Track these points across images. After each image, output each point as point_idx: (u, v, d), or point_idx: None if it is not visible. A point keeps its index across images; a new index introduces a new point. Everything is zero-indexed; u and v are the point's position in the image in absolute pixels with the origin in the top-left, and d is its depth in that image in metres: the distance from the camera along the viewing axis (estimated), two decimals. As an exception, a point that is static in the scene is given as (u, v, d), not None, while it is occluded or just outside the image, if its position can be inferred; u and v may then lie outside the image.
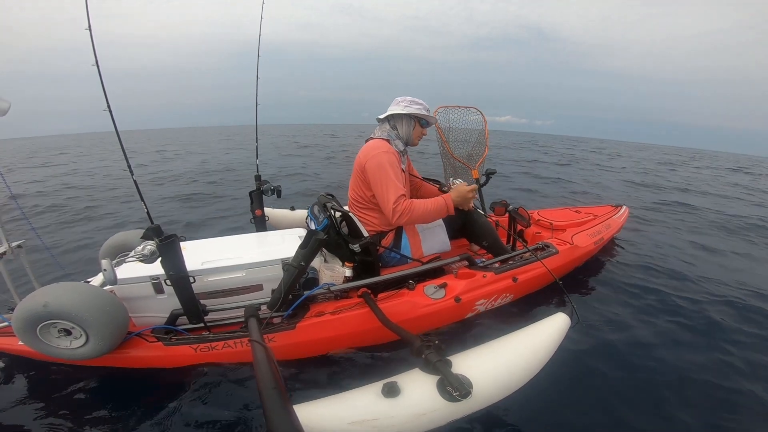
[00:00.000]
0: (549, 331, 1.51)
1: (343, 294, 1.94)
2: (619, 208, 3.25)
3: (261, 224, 2.76)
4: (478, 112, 2.95)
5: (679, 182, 9.02)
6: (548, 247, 2.38)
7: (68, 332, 1.50)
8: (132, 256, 1.57)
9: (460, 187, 2.06)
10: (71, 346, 1.52)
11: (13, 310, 1.49)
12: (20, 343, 1.56)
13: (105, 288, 1.71)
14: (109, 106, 1.60)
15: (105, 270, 1.45)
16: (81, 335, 1.49)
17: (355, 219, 1.99)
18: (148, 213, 1.66)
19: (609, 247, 3.15)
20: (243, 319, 1.61)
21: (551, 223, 2.82)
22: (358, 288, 1.88)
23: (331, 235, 1.98)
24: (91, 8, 1.51)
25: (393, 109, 2.06)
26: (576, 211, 3.15)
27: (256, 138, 2.95)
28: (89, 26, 1.55)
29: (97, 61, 1.55)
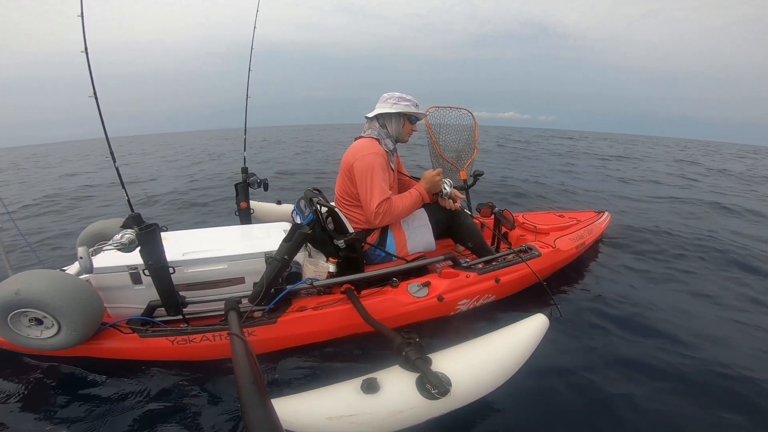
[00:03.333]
0: (528, 331, 1.52)
1: (326, 289, 1.93)
2: (601, 213, 3.31)
3: (246, 217, 2.72)
4: (469, 114, 2.97)
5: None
6: (531, 249, 2.41)
7: (39, 321, 1.45)
8: (110, 245, 1.54)
9: (426, 173, 2.11)
10: (42, 336, 1.48)
11: None
12: None
13: (81, 277, 1.66)
14: (95, 93, 1.57)
15: (81, 258, 1.42)
16: (53, 325, 1.45)
17: (341, 215, 1.98)
18: (128, 201, 1.63)
19: (590, 252, 3.20)
20: (223, 312, 1.58)
21: (535, 227, 2.85)
22: (341, 284, 1.88)
23: (316, 230, 1.97)
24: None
25: (381, 108, 2.05)
26: (559, 216, 3.19)
27: (245, 130, 2.92)
28: (81, 13, 1.52)
29: (86, 48, 1.52)
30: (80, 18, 1.53)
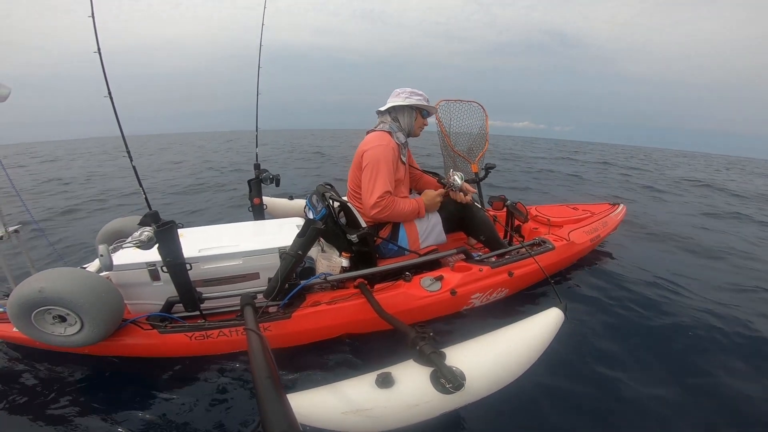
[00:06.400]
0: (542, 325, 1.51)
1: (340, 284, 1.94)
2: (616, 206, 3.25)
3: (259, 213, 2.75)
4: (480, 107, 2.93)
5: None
6: (545, 242, 2.39)
7: (63, 319, 1.49)
8: (129, 242, 1.57)
9: (428, 191, 2.13)
10: (66, 333, 1.51)
11: (8, 296, 1.48)
12: (15, 329, 1.55)
13: (101, 274, 1.70)
14: (110, 93, 1.58)
15: (101, 255, 1.44)
16: (76, 322, 1.49)
17: (353, 209, 1.99)
18: (146, 199, 1.65)
19: (606, 245, 3.16)
20: (239, 308, 1.61)
21: (548, 219, 2.82)
22: (354, 278, 1.89)
23: (329, 225, 1.98)
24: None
25: (393, 101, 2.05)
26: (573, 208, 3.15)
27: (256, 127, 2.93)
28: (92, 14, 1.53)
29: (99, 49, 1.53)
30: (91, 18, 1.54)
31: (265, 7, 2.72)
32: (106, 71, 1.55)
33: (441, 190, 2.15)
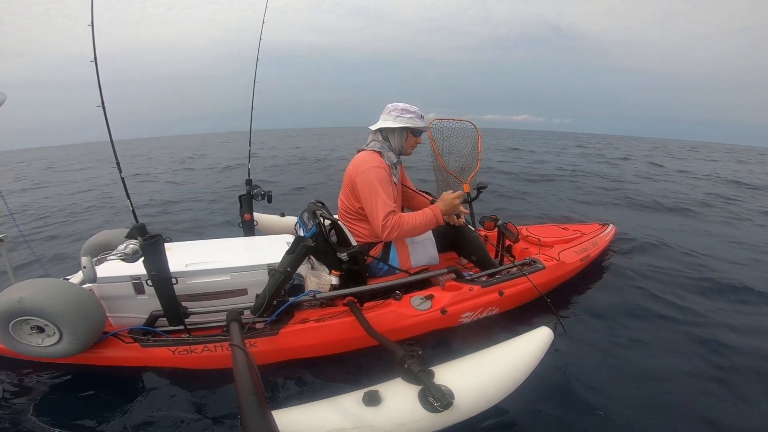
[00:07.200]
0: (532, 344, 1.50)
1: (329, 302, 1.92)
2: (606, 226, 3.29)
3: (249, 229, 2.73)
4: (472, 126, 2.98)
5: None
6: (535, 262, 2.40)
7: (41, 329, 1.46)
8: (114, 255, 1.55)
9: (445, 195, 2.02)
10: (43, 344, 1.48)
11: None
12: None
13: (84, 286, 1.67)
14: (103, 103, 1.59)
15: (85, 267, 1.43)
16: (54, 333, 1.46)
17: (344, 228, 1.98)
18: (133, 211, 1.64)
19: (595, 264, 3.17)
20: (225, 323, 1.58)
21: (539, 239, 2.83)
22: (344, 296, 1.87)
23: (320, 243, 1.96)
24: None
25: (384, 121, 2.03)
26: (564, 228, 3.18)
27: (249, 142, 2.95)
28: (92, 23, 1.54)
29: (95, 57, 1.54)
30: (90, 27, 1.55)
31: (263, 22, 2.77)
32: (100, 80, 1.55)
33: (459, 192, 2.04)
